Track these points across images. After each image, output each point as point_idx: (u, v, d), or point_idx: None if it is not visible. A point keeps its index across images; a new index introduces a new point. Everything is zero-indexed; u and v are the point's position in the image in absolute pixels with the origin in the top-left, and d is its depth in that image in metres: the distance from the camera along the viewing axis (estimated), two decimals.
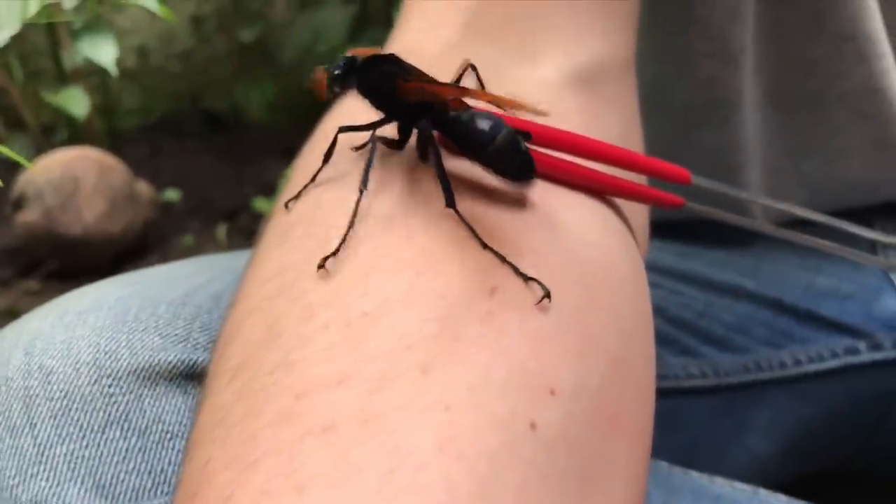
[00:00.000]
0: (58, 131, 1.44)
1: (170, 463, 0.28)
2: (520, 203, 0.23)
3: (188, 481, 0.19)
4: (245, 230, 1.28)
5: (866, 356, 0.46)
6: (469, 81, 0.26)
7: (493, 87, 0.26)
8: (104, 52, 1.11)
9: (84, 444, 0.28)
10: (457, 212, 0.22)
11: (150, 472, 0.28)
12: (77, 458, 0.27)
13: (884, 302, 0.46)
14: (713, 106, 0.46)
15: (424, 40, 0.29)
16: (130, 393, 0.29)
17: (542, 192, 0.24)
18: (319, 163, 0.25)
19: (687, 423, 0.47)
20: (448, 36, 0.29)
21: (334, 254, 0.21)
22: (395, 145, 0.25)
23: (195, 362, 0.30)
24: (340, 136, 0.25)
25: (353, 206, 0.22)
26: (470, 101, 0.24)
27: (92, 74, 1.41)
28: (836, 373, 0.46)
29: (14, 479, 0.27)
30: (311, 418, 0.17)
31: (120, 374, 0.29)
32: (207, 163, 1.46)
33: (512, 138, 0.23)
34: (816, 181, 0.47)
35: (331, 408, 0.18)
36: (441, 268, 0.20)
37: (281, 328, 0.20)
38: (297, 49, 1.51)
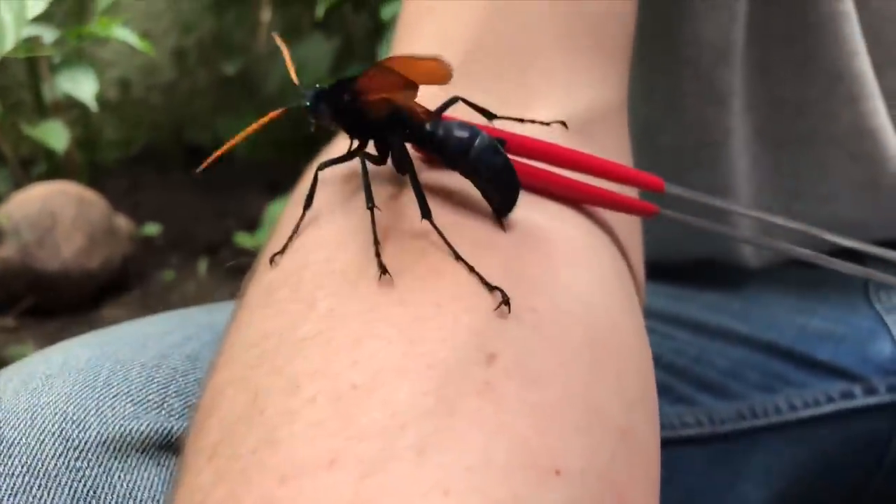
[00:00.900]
0: (37, 164, 1.42)
1: None
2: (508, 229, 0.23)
3: None
4: (227, 265, 1.27)
5: (861, 401, 0.45)
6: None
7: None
8: (84, 86, 1.10)
9: None
10: (432, 223, 0.21)
11: None
12: None
13: (878, 345, 0.46)
14: (702, 147, 0.46)
15: None
16: (99, 466, 0.27)
17: (527, 209, 0.24)
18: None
19: (683, 473, 0.46)
20: None
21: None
22: (376, 160, 0.24)
23: (170, 431, 0.28)
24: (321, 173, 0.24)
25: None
26: (449, 112, 0.25)
27: (72, 107, 1.40)
28: (832, 417, 0.46)
29: None
30: None
31: (88, 445, 0.27)
32: (188, 196, 1.45)
33: (490, 142, 0.23)
34: (808, 222, 0.47)
35: (319, 493, 0.16)
36: (433, 334, 0.19)
37: (264, 402, 0.19)
38: (280, 82, 1.51)
